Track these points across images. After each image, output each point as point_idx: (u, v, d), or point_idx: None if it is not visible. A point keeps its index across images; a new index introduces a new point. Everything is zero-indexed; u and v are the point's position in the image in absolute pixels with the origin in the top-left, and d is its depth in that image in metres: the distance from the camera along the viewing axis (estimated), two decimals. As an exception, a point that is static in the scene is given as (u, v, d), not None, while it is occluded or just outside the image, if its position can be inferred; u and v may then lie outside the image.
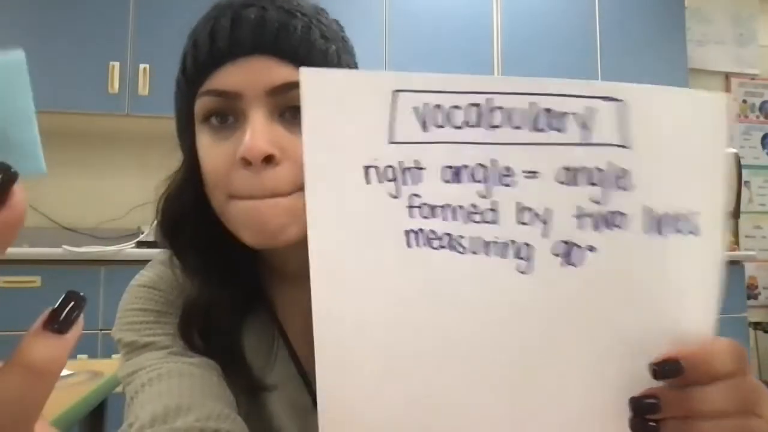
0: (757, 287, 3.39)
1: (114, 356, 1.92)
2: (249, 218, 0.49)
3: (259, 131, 0.47)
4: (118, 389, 1.18)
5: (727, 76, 3.49)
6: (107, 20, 2.34)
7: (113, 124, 2.45)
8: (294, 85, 0.47)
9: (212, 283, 0.54)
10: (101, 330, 1.98)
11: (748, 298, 3.04)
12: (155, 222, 0.57)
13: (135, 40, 2.35)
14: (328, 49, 0.52)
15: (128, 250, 2.05)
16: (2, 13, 2.28)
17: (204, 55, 0.50)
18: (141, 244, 2.27)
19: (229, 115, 0.50)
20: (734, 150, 3.22)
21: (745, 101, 3.51)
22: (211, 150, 0.51)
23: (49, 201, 2.55)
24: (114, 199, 2.60)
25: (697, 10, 3.37)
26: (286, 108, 0.49)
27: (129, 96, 2.32)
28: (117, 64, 2.32)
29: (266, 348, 0.57)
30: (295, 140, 0.49)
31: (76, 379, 1.04)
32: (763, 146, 3.52)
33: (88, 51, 2.31)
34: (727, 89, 3.49)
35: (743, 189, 3.23)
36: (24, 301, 1.93)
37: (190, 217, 0.55)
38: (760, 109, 3.54)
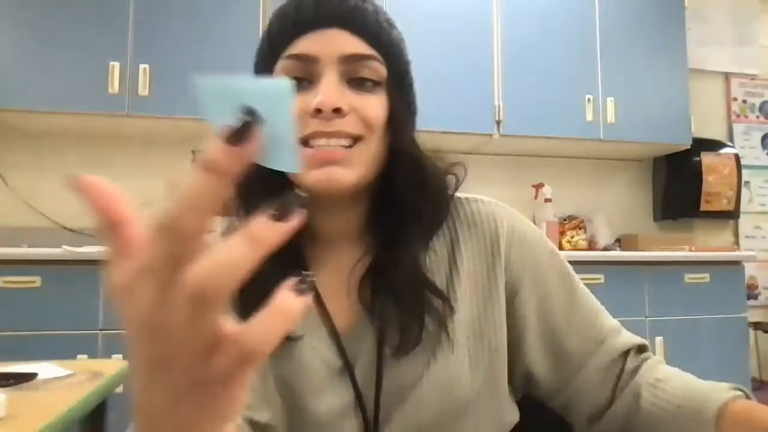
0: (757, 287, 3.39)
1: (114, 356, 1.92)
2: (317, 159, 0.56)
3: (331, 87, 0.56)
4: (119, 389, 1.18)
5: (727, 76, 3.49)
6: (107, 20, 2.34)
7: (113, 124, 2.45)
8: (362, 57, 0.58)
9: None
10: (101, 330, 1.98)
11: (748, 298, 3.03)
12: None
13: (135, 40, 2.35)
14: (391, 32, 0.62)
15: (128, 250, 2.05)
16: (2, 14, 2.28)
17: (290, 24, 0.59)
18: (141, 244, 2.27)
19: (305, 77, 0.58)
20: (734, 150, 3.22)
21: (745, 101, 3.51)
22: None
23: (49, 201, 2.55)
24: (114, 199, 2.60)
25: (697, 10, 3.37)
26: (354, 75, 0.58)
27: (129, 96, 2.32)
28: (117, 64, 2.32)
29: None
30: (359, 100, 0.58)
31: (76, 379, 1.04)
32: (763, 146, 3.52)
33: (88, 51, 2.31)
34: (727, 89, 3.49)
35: (743, 189, 3.23)
36: (24, 301, 1.93)
37: (260, 169, 0.60)
38: (760, 109, 3.54)
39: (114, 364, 1.20)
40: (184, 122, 2.42)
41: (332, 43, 0.57)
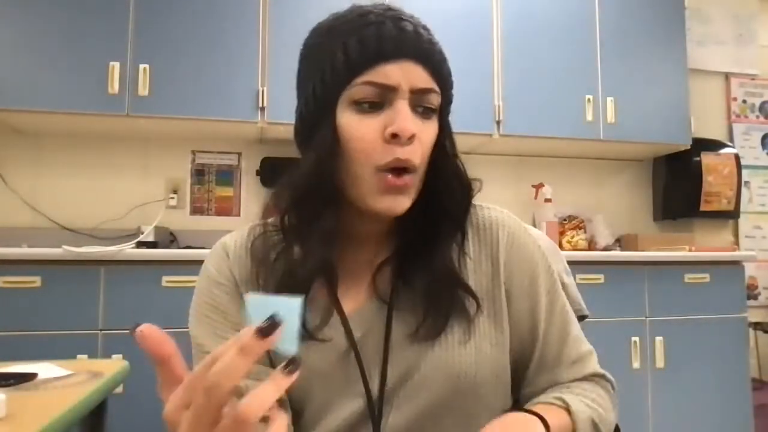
0: (757, 287, 3.39)
1: (114, 356, 1.92)
2: (389, 189, 0.63)
3: (408, 117, 0.63)
4: (119, 389, 1.17)
5: (727, 76, 3.49)
6: (107, 20, 2.34)
7: (113, 125, 2.45)
8: (429, 91, 0.65)
9: (324, 244, 0.66)
10: (101, 330, 1.98)
11: (748, 298, 3.03)
12: (274, 193, 0.69)
13: (135, 40, 2.35)
14: (447, 65, 0.68)
15: (128, 250, 2.05)
16: (2, 14, 2.28)
17: (372, 51, 0.62)
18: (141, 244, 2.27)
19: (378, 101, 0.63)
20: (734, 150, 3.22)
21: (745, 101, 3.51)
22: (360, 124, 0.63)
23: (49, 201, 2.55)
24: (114, 199, 2.60)
25: (697, 10, 3.37)
26: (419, 104, 0.65)
27: (129, 96, 2.32)
28: (117, 64, 2.32)
29: (324, 312, 0.67)
30: (425, 127, 0.65)
31: (76, 379, 1.04)
32: (763, 146, 3.52)
33: (88, 51, 2.31)
34: (727, 89, 3.49)
35: (743, 189, 3.23)
36: (24, 301, 1.93)
37: (323, 191, 0.65)
38: (760, 109, 3.54)
39: (114, 364, 1.20)
40: (184, 122, 2.42)
41: (408, 75, 0.63)
